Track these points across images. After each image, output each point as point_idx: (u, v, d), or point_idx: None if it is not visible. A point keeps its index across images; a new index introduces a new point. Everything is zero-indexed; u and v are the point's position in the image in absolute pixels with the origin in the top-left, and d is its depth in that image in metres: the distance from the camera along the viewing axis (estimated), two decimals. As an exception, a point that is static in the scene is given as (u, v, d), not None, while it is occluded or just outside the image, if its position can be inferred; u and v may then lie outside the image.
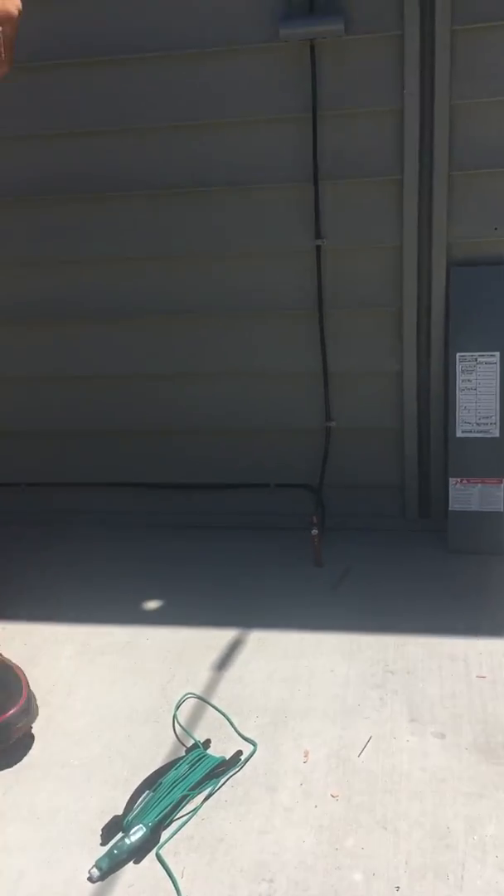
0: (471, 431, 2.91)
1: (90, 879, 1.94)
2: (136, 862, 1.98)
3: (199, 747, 2.26)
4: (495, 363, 2.86)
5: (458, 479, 2.96)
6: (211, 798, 2.13)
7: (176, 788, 2.12)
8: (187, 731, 2.33)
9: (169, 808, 2.08)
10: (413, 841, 1.98)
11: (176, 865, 1.96)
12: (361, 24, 2.62)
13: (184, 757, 2.24)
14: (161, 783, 2.14)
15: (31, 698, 2.31)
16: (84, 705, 2.47)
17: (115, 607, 2.87)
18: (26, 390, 3.30)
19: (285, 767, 2.20)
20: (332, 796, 2.11)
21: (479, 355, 2.86)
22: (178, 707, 2.42)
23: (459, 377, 2.88)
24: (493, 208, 2.78)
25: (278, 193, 2.87)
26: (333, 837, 2.00)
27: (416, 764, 2.18)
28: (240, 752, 2.25)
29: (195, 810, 2.10)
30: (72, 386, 3.27)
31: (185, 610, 2.84)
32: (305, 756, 2.23)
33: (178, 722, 2.37)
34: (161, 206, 2.94)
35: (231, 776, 2.18)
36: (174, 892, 1.91)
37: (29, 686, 2.33)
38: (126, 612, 2.85)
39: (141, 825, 2.02)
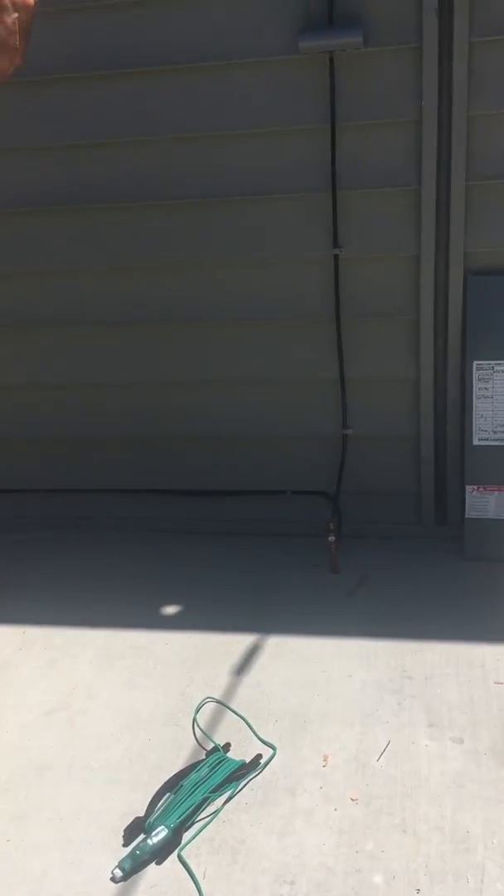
0: (487, 439, 2.93)
1: (113, 879, 1.96)
2: (159, 863, 2.00)
3: (219, 750, 2.28)
4: (512, 371, 2.89)
5: (475, 487, 2.98)
6: (231, 801, 2.15)
7: (197, 791, 2.14)
8: (207, 735, 2.35)
9: (190, 810, 2.09)
10: (433, 844, 1.99)
11: (198, 867, 1.98)
12: (380, 37, 2.66)
13: (204, 760, 2.26)
14: (182, 785, 2.16)
15: None
16: (104, 708, 2.49)
17: (134, 612, 2.90)
18: (48, 399, 3.34)
19: (305, 771, 2.22)
20: (352, 800, 2.12)
21: (497, 363, 2.88)
22: (197, 711, 2.43)
23: (476, 385, 2.90)
24: (509, 218, 2.81)
25: (297, 203, 2.91)
26: (353, 840, 2.02)
27: (434, 768, 2.19)
28: (259, 756, 2.26)
29: (216, 812, 2.11)
30: (91, 394, 3.30)
31: (202, 615, 2.86)
32: (325, 760, 2.25)
33: (197, 725, 2.39)
34: (180, 215, 2.98)
35: (251, 779, 2.20)
36: (196, 892, 1.92)
37: None
38: (144, 617, 2.88)
39: (163, 826, 2.04)
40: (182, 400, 3.24)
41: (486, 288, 2.87)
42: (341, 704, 2.43)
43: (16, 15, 2.00)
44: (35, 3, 2.07)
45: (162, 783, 2.19)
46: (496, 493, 2.96)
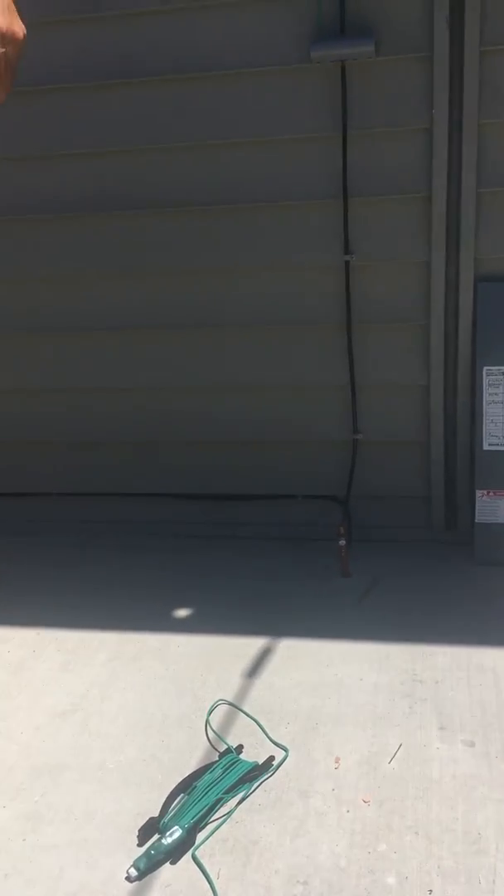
0: (498, 444, 2.95)
1: (128, 879, 1.98)
2: (173, 863, 2.02)
3: (231, 752, 2.30)
4: (522, 377, 2.91)
5: (485, 492, 3.00)
6: (245, 802, 2.17)
7: (210, 792, 2.16)
8: (220, 737, 2.37)
9: (204, 810, 2.11)
10: (445, 846, 2.01)
11: (212, 867, 2.00)
12: (391, 46, 2.69)
13: (217, 761, 2.28)
14: (195, 786, 2.18)
15: None
16: (118, 710, 2.51)
17: (145, 615, 2.93)
18: (60, 402, 3.37)
19: (317, 773, 2.24)
20: (364, 802, 2.14)
21: (507, 369, 2.91)
22: (210, 712, 2.46)
23: (486, 390, 2.92)
24: (520, 225, 2.84)
25: (308, 210, 2.94)
26: (366, 842, 2.03)
27: (446, 771, 2.21)
28: (272, 758, 2.28)
29: (230, 813, 2.13)
30: (103, 398, 3.33)
31: (214, 618, 2.89)
32: (337, 762, 2.27)
33: (210, 727, 2.41)
34: (193, 222, 3.01)
35: (264, 781, 2.22)
36: (210, 892, 1.94)
37: None
38: (156, 620, 2.90)
39: (177, 827, 2.06)
40: (191, 404, 3.27)
41: (496, 294, 2.89)
42: (353, 707, 2.45)
43: (2, 50, 1.97)
44: (24, 36, 2.03)
45: (176, 784, 2.21)
46: (506, 497, 2.98)
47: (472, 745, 2.28)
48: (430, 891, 1.90)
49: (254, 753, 2.31)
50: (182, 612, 2.95)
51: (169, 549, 3.32)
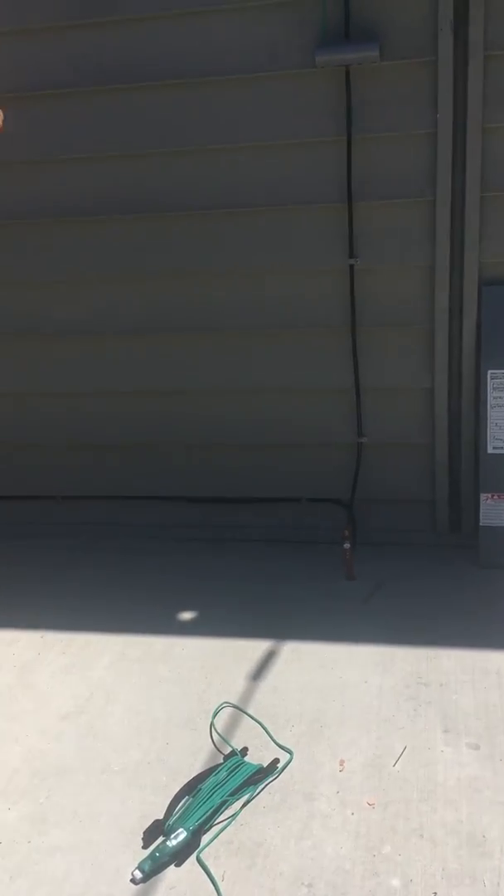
0: (502, 448, 2.95)
1: (133, 881, 1.98)
2: (178, 865, 2.02)
3: (236, 755, 2.31)
4: (526, 380, 2.91)
5: (490, 495, 3.00)
6: (249, 804, 2.17)
7: (215, 794, 2.16)
8: (225, 739, 2.38)
9: (209, 813, 2.12)
10: (449, 848, 2.01)
11: (216, 869, 2.00)
12: (396, 51, 2.70)
13: (222, 764, 2.28)
14: (200, 789, 2.19)
15: None
16: (123, 712, 2.52)
17: (150, 618, 2.93)
18: (64, 405, 3.38)
19: (322, 775, 2.24)
20: (369, 804, 2.14)
21: (511, 372, 2.91)
22: (214, 715, 2.46)
23: (491, 394, 2.92)
24: (524, 229, 2.84)
25: (313, 214, 2.94)
26: (371, 844, 2.04)
27: (451, 773, 2.21)
28: (277, 760, 2.28)
29: (234, 816, 2.14)
30: (107, 401, 3.34)
31: (218, 621, 2.89)
32: (341, 765, 2.27)
33: (215, 730, 2.41)
34: (197, 225, 3.02)
35: (268, 783, 2.22)
36: (215, 894, 1.94)
37: None
38: (161, 623, 2.90)
39: (182, 829, 2.06)
40: (197, 407, 3.28)
41: (500, 298, 2.89)
42: (357, 710, 2.45)
43: None
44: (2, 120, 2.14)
45: (180, 786, 2.21)
46: (511, 501, 2.99)
47: (477, 747, 2.28)
48: (435, 893, 1.90)
49: (258, 756, 2.31)
50: (186, 615, 2.96)
51: (170, 553, 3.32)
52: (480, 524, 3.04)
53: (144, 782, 2.27)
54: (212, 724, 2.43)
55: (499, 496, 2.99)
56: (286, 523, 3.33)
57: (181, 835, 2.05)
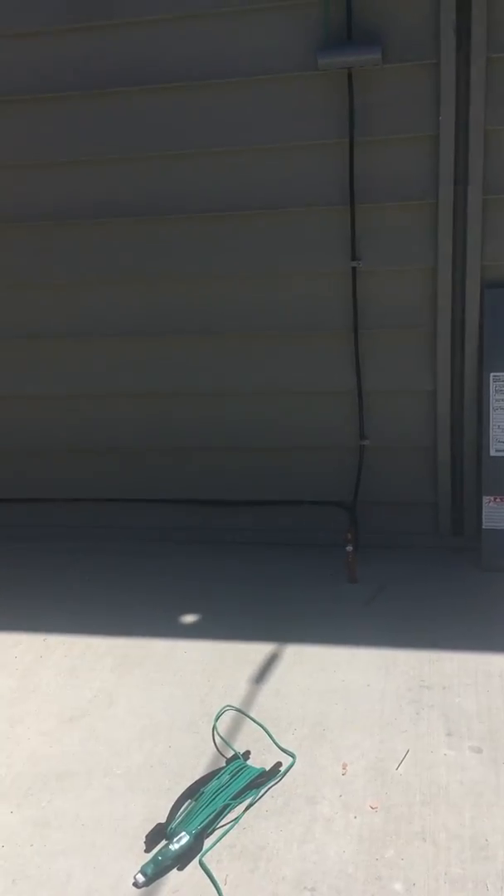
0: (504, 450, 2.95)
1: (135, 884, 1.98)
2: (180, 868, 2.02)
3: (239, 758, 2.30)
4: (529, 383, 2.91)
5: (492, 498, 2.99)
6: (252, 808, 2.17)
7: (217, 798, 2.16)
8: (227, 743, 2.37)
9: (211, 816, 2.12)
10: (452, 852, 2.00)
11: (219, 872, 2.00)
12: (398, 53, 2.70)
13: (224, 767, 2.28)
14: (203, 792, 2.18)
15: None
16: (125, 715, 2.52)
17: (152, 621, 2.93)
18: (64, 407, 3.38)
19: (324, 779, 2.24)
20: (372, 808, 2.14)
21: (513, 375, 2.91)
22: (217, 718, 2.46)
23: (493, 396, 2.92)
24: (526, 231, 2.84)
25: (315, 216, 2.94)
26: (373, 848, 2.03)
27: (454, 777, 2.21)
28: (279, 764, 2.28)
29: (237, 819, 2.13)
30: (108, 403, 3.34)
31: (220, 624, 2.89)
32: (344, 768, 2.27)
33: (217, 733, 2.41)
34: (198, 228, 3.02)
35: (271, 787, 2.22)
36: (218, 898, 1.94)
37: None
38: (162, 626, 2.90)
39: (184, 833, 2.06)
40: (198, 410, 3.27)
41: (502, 300, 2.89)
42: (360, 713, 2.45)
43: None
44: None
45: (183, 790, 2.21)
46: (513, 503, 2.98)
47: (480, 751, 2.28)
48: (438, 897, 1.90)
49: (261, 759, 2.31)
50: (187, 618, 2.95)
51: (171, 555, 3.32)
52: (483, 527, 3.03)
53: (147, 786, 2.26)
54: (214, 728, 2.43)
55: (501, 499, 2.99)
56: (287, 526, 3.33)
57: (184, 838, 2.05)
